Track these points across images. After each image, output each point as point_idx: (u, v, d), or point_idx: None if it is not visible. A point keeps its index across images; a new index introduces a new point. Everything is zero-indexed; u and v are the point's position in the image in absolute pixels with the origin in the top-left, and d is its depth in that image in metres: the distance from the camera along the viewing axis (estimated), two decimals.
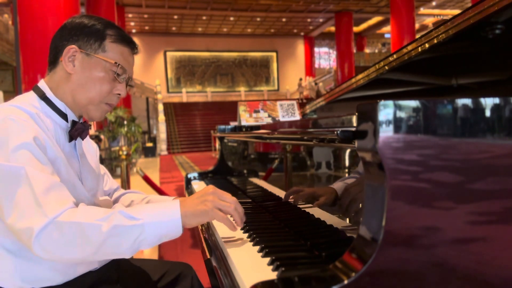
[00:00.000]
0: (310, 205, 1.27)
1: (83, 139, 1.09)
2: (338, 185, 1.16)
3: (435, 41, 1.24)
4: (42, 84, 1.05)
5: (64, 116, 1.03)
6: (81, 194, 1.02)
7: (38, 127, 0.92)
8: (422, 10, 19.42)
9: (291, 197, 1.33)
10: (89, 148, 1.19)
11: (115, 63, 1.02)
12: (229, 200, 0.94)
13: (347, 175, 1.28)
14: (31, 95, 1.02)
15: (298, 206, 1.26)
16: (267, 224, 1.13)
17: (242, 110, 2.40)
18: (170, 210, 0.87)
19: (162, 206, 0.89)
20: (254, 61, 24.20)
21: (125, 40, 1.06)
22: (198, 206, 0.90)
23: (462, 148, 0.63)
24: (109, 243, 0.82)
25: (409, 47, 1.38)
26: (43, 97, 1.02)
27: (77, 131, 1.04)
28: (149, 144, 15.07)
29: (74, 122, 1.04)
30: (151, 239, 0.84)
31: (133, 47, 1.08)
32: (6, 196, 0.83)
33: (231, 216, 0.95)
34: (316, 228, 1.03)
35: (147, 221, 0.84)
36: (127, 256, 0.85)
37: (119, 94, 1.06)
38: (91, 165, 1.15)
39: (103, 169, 1.29)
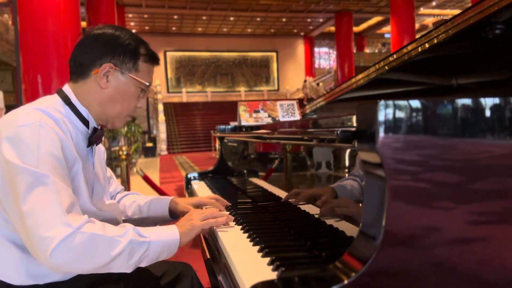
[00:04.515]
0: (310, 205, 1.27)
1: (97, 145, 1.15)
2: (337, 186, 1.16)
3: (435, 41, 1.24)
4: (66, 88, 1.08)
5: (85, 122, 1.07)
6: (88, 202, 1.05)
7: (62, 133, 0.97)
8: (422, 10, 19.41)
9: (290, 200, 1.34)
10: (98, 151, 1.22)
11: (147, 84, 1.10)
12: (209, 208, 1.09)
13: (347, 175, 1.28)
14: (56, 99, 1.06)
15: (298, 206, 1.26)
16: (267, 224, 1.13)
17: (242, 110, 2.40)
18: (171, 231, 0.99)
19: (163, 228, 0.99)
20: (254, 61, 24.17)
21: (154, 60, 1.14)
22: (186, 225, 1.03)
23: (462, 148, 0.63)
24: (122, 257, 0.89)
25: (409, 47, 1.38)
26: (68, 102, 1.06)
27: (96, 137, 1.10)
28: (149, 144, 15.05)
29: (95, 129, 1.09)
30: (152, 255, 0.94)
31: (158, 64, 1.17)
32: (28, 201, 0.84)
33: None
34: (316, 228, 1.03)
35: (153, 239, 0.94)
36: (129, 271, 0.92)
37: (140, 106, 1.14)
38: (101, 168, 1.20)
39: (109, 172, 1.34)
